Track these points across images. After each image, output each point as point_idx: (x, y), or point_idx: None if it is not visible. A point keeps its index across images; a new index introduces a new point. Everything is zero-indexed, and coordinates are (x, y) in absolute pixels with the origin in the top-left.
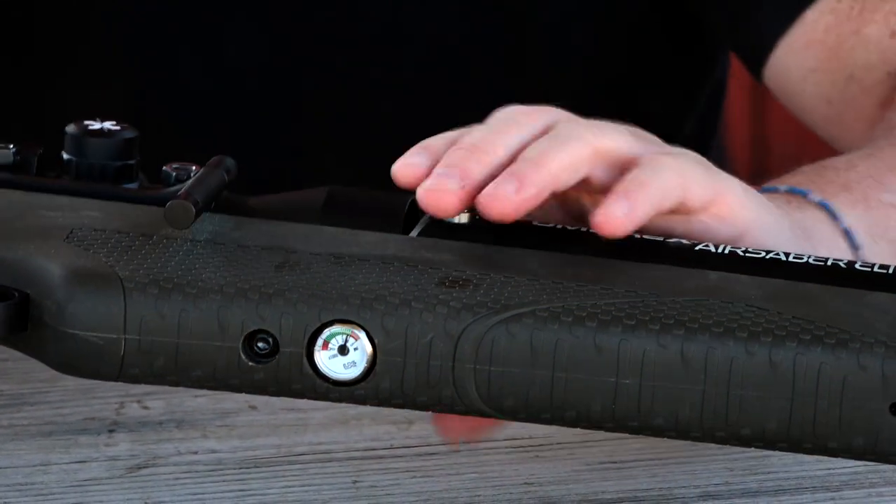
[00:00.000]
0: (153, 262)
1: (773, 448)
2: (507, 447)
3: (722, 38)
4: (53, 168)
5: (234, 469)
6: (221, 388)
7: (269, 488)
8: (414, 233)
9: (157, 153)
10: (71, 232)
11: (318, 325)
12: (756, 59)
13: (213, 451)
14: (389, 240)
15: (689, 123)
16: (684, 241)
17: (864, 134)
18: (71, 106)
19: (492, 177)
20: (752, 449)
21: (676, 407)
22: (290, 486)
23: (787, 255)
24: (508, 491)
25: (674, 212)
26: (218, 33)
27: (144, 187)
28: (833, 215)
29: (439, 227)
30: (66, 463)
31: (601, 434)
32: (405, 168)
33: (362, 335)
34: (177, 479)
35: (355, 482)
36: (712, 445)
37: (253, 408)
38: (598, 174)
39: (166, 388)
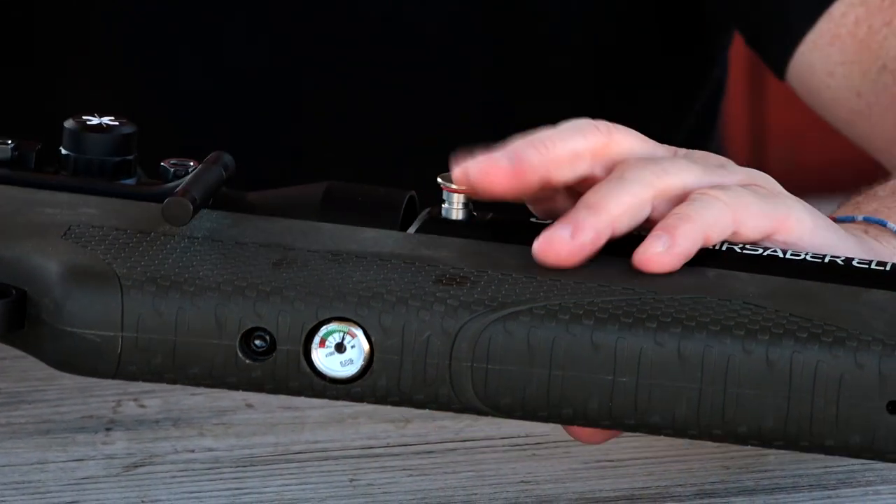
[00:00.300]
0: (151, 260)
1: (770, 446)
2: (503, 445)
3: (745, 38)
4: (52, 164)
5: (231, 467)
6: (218, 386)
7: (265, 487)
8: (412, 229)
9: (156, 153)
10: (69, 229)
11: (315, 322)
12: (781, 55)
13: (210, 450)
14: (387, 237)
15: (688, 123)
16: None
17: (893, 126)
18: (71, 106)
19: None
20: (749, 447)
21: (673, 405)
22: (286, 485)
23: (784, 252)
24: (505, 489)
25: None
26: (218, 33)
27: (142, 183)
28: None
29: (437, 224)
30: (64, 461)
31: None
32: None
33: (359, 333)
34: (173, 477)
35: (352, 480)
36: (709, 443)
37: (250, 406)
38: (659, 211)
39: (163, 386)
